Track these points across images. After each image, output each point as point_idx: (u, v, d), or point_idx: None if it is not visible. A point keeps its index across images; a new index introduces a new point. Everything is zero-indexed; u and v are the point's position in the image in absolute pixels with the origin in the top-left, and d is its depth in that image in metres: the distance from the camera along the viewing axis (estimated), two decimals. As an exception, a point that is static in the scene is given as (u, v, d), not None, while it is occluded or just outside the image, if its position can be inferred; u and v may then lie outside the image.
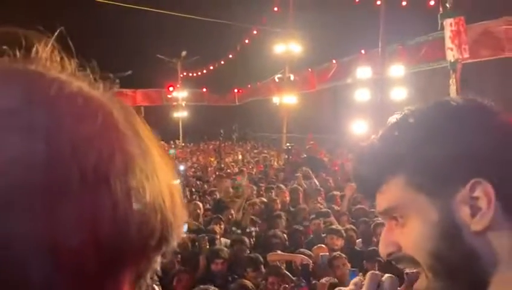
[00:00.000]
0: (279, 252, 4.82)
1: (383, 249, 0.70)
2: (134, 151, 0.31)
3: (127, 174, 0.29)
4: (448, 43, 7.60)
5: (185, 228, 5.32)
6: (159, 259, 0.33)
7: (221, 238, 5.53)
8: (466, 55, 7.46)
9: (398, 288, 0.70)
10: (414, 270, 0.67)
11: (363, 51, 19.10)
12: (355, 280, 0.72)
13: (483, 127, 0.63)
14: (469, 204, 0.61)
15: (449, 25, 7.53)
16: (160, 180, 0.32)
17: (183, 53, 29.66)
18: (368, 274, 0.70)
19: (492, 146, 0.61)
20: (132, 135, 0.32)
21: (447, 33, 7.54)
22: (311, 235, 5.76)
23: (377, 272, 0.71)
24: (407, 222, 0.66)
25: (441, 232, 0.62)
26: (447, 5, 7.53)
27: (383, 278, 0.69)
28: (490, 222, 0.60)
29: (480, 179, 0.60)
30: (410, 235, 0.65)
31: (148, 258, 0.32)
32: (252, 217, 6.37)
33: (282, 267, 4.38)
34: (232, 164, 15.62)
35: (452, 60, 7.46)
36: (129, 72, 28.11)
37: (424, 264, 0.64)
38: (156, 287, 3.67)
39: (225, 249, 4.76)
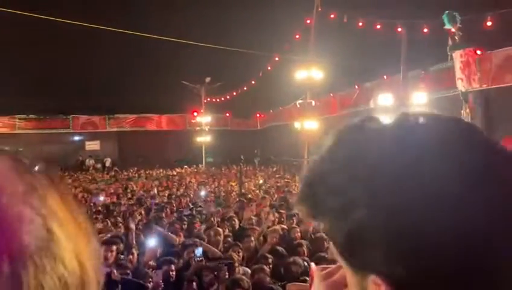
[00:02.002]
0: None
1: None
2: (30, 243, 0.30)
3: (19, 270, 0.29)
4: (458, 73, 7.64)
5: (200, 252, 5.33)
6: None
7: (240, 267, 5.52)
8: (476, 85, 7.47)
9: None
10: None
11: (385, 77, 19.12)
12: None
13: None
14: None
15: (459, 56, 7.57)
16: (66, 262, 0.31)
17: (207, 79, 30.24)
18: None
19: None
20: (31, 213, 0.31)
21: (457, 64, 7.58)
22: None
23: None
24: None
25: None
26: (456, 37, 7.59)
27: None
28: None
29: (381, 279, 0.45)
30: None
31: None
32: (272, 245, 6.35)
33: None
34: (253, 189, 15.63)
35: (463, 90, 7.47)
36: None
37: None
38: None
39: (245, 278, 4.76)
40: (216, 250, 5.92)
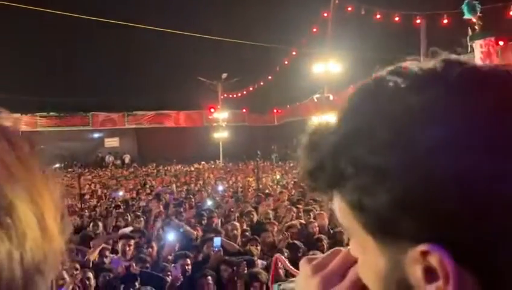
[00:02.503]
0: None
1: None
2: None
3: None
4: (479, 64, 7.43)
5: (218, 242, 5.33)
6: None
7: (259, 260, 5.51)
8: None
9: None
10: None
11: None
12: (329, 252, 0.57)
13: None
14: (423, 266, 0.42)
15: (479, 46, 7.38)
16: (20, 215, 0.30)
17: (224, 75, 30.32)
18: (340, 254, 0.55)
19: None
20: None
21: (477, 54, 7.39)
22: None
23: None
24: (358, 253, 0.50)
25: (386, 287, 0.45)
26: (476, 27, 7.40)
27: (352, 268, 0.53)
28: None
29: (435, 245, 0.41)
30: (360, 265, 0.49)
31: None
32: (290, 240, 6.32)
33: None
34: (270, 184, 15.62)
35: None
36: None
37: None
38: None
39: (263, 272, 4.75)
40: (234, 244, 5.92)
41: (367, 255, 0.47)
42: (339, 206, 0.47)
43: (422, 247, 0.41)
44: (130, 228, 6.58)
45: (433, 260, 0.41)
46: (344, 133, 0.45)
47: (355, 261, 0.51)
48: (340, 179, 0.45)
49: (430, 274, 0.42)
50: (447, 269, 0.41)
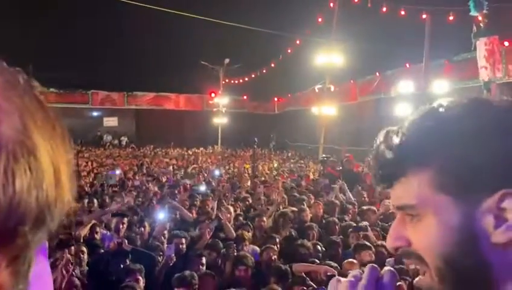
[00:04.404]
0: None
1: (392, 242, 0.66)
2: (5, 132, 0.32)
3: None
4: (482, 62, 7.42)
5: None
6: (42, 235, 0.35)
7: (250, 245, 5.57)
8: (499, 74, 7.25)
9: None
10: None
11: (407, 65, 18.76)
12: (355, 272, 0.68)
13: None
14: (495, 214, 0.57)
15: (483, 44, 7.34)
16: (41, 158, 0.33)
17: (226, 60, 30.14)
18: (368, 267, 0.67)
19: None
20: (9, 106, 0.33)
21: (481, 52, 7.36)
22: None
23: (377, 266, 0.68)
24: (423, 219, 0.62)
25: (458, 238, 0.58)
26: (481, 25, 7.36)
27: (382, 272, 0.67)
28: None
29: (511, 190, 0.56)
30: (424, 233, 0.62)
31: (24, 240, 0.33)
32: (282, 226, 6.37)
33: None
34: (267, 172, 15.67)
35: (486, 80, 7.26)
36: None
37: (433, 266, 0.61)
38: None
39: (250, 256, 4.79)
40: (231, 229, 5.95)
41: (440, 216, 0.60)
42: (415, 184, 0.62)
43: (501, 192, 0.57)
44: (118, 205, 6.59)
45: (508, 202, 0.56)
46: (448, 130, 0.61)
47: (379, 273, 0.66)
48: (430, 156, 0.61)
49: (499, 220, 0.57)
50: None
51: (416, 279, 0.65)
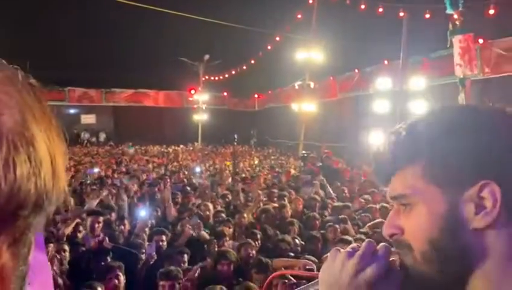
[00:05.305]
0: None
1: (387, 230, 0.75)
2: (6, 123, 0.34)
3: None
4: (457, 59, 7.61)
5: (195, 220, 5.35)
6: (40, 220, 0.38)
7: (230, 241, 5.59)
8: (475, 71, 7.46)
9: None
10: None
11: (386, 62, 19.00)
12: (353, 244, 0.78)
13: (501, 131, 0.67)
14: (475, 202, 0.65)
15: (458, 41, 7.53)
16: (39, 148, 0.36)
17: (206, 57, 29.97)
18: (365, 241, 0.77)
19: (506, 150, 0.65)
20: (9, 100, 0.36)
21: (456, 50, 7.55)
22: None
23: (373, 241, 0.77)
24: (414, 208, 0.70)
25: (443, 224, 0.67)
26: (457, 22, 7.55)
27: (378, 247, 0.76)
28: (491, 221, 0.64)
29: (489, 181, 0.64)
30: (415, 220, 0.70)
31: (24, 223, 0.36)
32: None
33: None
34: (248, 169, 15.68)
35: (461, 76, 7.46)
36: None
37: (419, 250, 0.69)
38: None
39: (232, 251, 4.82)
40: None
41: (428, 204, 0.68)
42: (409, 176, 0.71)
43: (480, 183, 0.65)
44: (96, 201, 6.53)
45: (486, 191, 0.64)
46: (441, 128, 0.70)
47: (375, 248, 0.75)
48: (420, 152, 0.70)
49: (479, 207, 0.65)
50: (496, 195, 0.64)
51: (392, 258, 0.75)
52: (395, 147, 0.73)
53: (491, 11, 12.84)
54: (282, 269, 4.49)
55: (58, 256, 4.42)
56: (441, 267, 0.68)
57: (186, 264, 4.72)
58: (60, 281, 3.83)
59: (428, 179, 0.69)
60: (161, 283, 3.91)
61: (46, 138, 0.37)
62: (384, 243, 0.77)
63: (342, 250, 0.77)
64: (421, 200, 0.69)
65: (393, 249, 0.76)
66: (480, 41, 13.87)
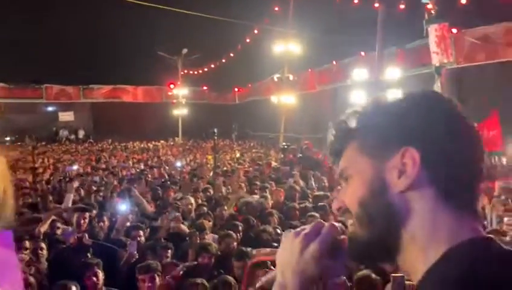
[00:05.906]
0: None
1: (334, 205, 0.83)
2: None
3: None
4: (433, 47, 7.78)
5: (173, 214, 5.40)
6: None
7: (210, 234, 5.64)
8: (451, 59, 7.64)
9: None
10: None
11: (362, 53, 19.20)
12: (304, 226, 0.85)
13: (421, 105, 0.75)
14: (398, 168, 0.72)
15: (434, 30, 7.71)
16: None
17: (184, 50, 29.73)
18: (314, 222, 0.85)
19: (426, 122, 0.73)
20: None
21: (432, 38, 7.73)
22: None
23: (323, 221, 0.85)
24: (350, 179, 0.79)
25: (370, 187, 0.75)
26: (432, 12, 7.71)
27: (325, 225, 0.82)
28: (411, 183, 0.71)
29: (410, 147, 0.72)
30: (351, 189, 0.78)
31: None
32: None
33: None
34: (229, 162, 15.72)
35: (437, 65, 7.63)
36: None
37: (355, 215, 0.77)
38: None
39: (213, 244, 4.86)
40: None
41: (361, 173, 0.76)
42: (349, 153, 0.79)
43: (402, 149, 0.72)
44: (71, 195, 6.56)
45: (407, 156, 0.72)
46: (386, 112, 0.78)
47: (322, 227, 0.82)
48: (357, 130, 0.79)
49: (401, 172, 0.72)
50: (415, 159, 0.71)
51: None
52: (340, 129, 0.82)
53: (463, 1, 13.09)
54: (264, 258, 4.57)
55: (34, 255, 4.40)
56: (370, 229, 0.75)
57: (169, 259, 4.75)
58: (33, 280, 3.81)
59: (362, 151, 0.77)
60: (140, 277, 3.93)
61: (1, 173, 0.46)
62: (332, 222, 0.83)
63: (292, 231, 0.84)
64: (355, 171, 0.78)
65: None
66: (454, 30, 14.14)
